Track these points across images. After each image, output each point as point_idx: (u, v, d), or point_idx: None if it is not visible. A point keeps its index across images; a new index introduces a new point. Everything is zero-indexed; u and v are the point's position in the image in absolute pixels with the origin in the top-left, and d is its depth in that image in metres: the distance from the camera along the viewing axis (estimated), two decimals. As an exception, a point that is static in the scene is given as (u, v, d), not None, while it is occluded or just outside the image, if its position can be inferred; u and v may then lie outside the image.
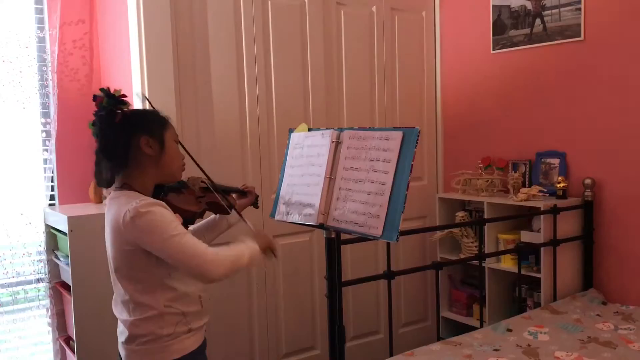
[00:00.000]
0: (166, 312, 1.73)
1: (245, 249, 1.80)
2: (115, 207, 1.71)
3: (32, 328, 3.12)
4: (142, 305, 1.73)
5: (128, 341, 1.77)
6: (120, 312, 1.81)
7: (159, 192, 1.85)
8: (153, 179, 1.79)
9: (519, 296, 3.11)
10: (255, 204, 2.19)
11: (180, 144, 1.89)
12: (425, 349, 2.46)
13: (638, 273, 2.95)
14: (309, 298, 3.35)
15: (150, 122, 1.78)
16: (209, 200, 1.95)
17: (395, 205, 1.90)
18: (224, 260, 1.70)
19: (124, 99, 1.76)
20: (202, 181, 1.99)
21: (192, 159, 1.94)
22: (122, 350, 1.82)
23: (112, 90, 1.75)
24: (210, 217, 2.10)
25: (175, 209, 1.77)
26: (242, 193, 2.15)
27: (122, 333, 1.80)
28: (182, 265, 1.68)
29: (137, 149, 1.73)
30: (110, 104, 1.73)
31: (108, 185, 1.79)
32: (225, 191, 2.06)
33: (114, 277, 1.79)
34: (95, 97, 1.75)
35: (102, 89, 1.75)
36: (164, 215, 1.67)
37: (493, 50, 3.51)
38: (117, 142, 1.72)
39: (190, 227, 1.98)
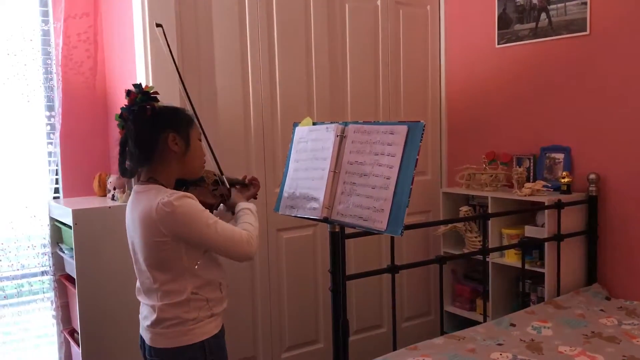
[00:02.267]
0: (192, 298, 1.84)
1: (253, 216, 1.96)
2: (144, 200, 1.79)
3: (36, 321, 3.14)
4: (171, 292, 1.82)
5: (154, 324, 1.85)
6: (145, 298, 1.89)
7: (180, 185, 1.93)
8: (175, 174, 1.89)
9: (523, 291, 3.10)
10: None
11: (206, 138, 2.02)
12: (428, 343, 2.46)
13: (642, 268, 2.95)
14: (313, 292, 3.35)
15: (178, 119, 1.88)
16: (221, 193, 2.05)
17: (399, 200, 1.90)
18: (254, 237, 1.87)
19: (156, 95, 1.84)
20: (214, 174, 2.09)
21: (213, 154, 2.02)
22: (146, 334, 1.89)
23: (144, 87, 1.83)
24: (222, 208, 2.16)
25: None
26: (245, 185, 2.18)
27: (147, 317, 1.88)
28: (222, 248, 1.82)
29: (164, 145, 1.83)
30: (143, 100, 1.81)
31: (131, 176, 1.89)
32: (232, 184, 2.14)
33: (140, 266, 1.87)
34: (129, 93, 1.83)
35: (135, 85, 1.83)
36: (196, 206, 1.79)
37: (498, 44, 3.50)
38: (146, 137, 1.81)
39: None
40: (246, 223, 1.90)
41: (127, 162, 1.84)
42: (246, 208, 1.97)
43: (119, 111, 1.87)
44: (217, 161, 2.08)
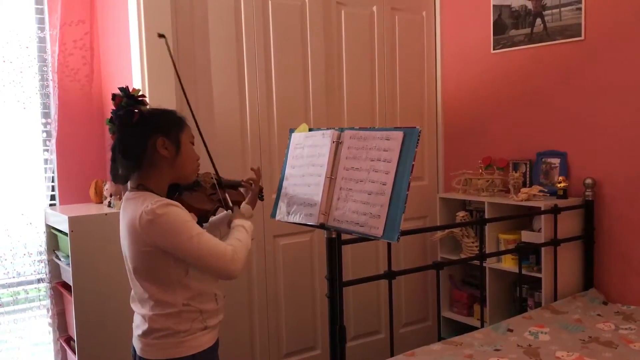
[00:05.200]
0: (184, 309, 1.77)
1: (246, 234, 1.84)
2: (131, 208, 1.73)
3: (32, 328, 3.12)
4: (162, 302, 1.76)
5: (145, 334, 1.78)
6: (138, 308, 1.83)
7: (174, 191, 1.86)
8: (167, 180, 1.82)
9: (520, 296, 3.10)
10: (260, 196, 2.18)
11: (202, 138, 1.92)
12: (426, 349, 2.46)
13: (639, 273, 2.95)
14: (310, 298, 3.35)
15: (167, 123, 1.80)
16: (220, 197, 1.96)
17: (396, 205, 1.90)
18: (240, 255, 1.76)
19: (143, 99, 1.78)
20: (212, 177, 2.00)
21: (209, 154, 1.95)
22: (137, 343, 1.83)
23: (130, 90, 1.76)
24: (224, 212, 2.10)
25: (190, 208, 1.79)
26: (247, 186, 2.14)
27: (138, 326, 1.82)
28: (202, 264, 1.71)
29: (153, 150, 1.75)
30: (129, 104, 1.75)
31: (124, 182, 1.81)
32: (233, 186, 2.07)
33: (131, 276, 1.81)
34: (114, 97, 1.77)
35: (121, 89, 1.77)
36: (180, 215, 1.69)
37: (493, 50, 3.51)
38: (134, 142, 1.74)
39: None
40: (235, 239, 1.79)
41: (119, 168, 1.79)
42: (240, 225, 1.86)
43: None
44: (214, 164, 1.99)
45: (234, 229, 1.86)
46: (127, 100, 1.75)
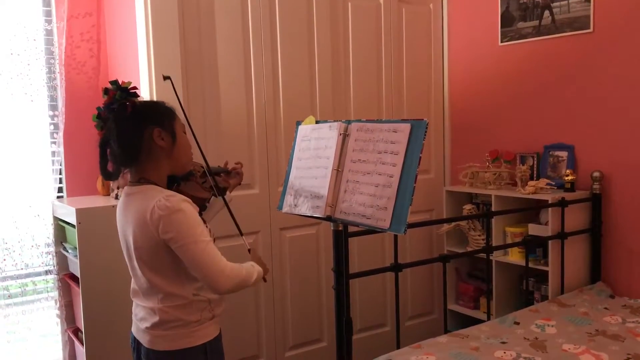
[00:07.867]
0: (194, 300, 1.79)
1: (254, 272, 1.84)
2: (139, 202, 1.73)
3: (40, 320, 3.14)
4: (172, 294, 1.77)
5: (155, 326, 1.79)
6: (143, 300, 1.83)
7: (172, 182, 1.88)
8: (166, 171, 1.82)
9: (526, 289, 3.10)
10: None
11: (190, 128, 1.91)
12: (432, 341, 2.46)
13: (646, 266, 2.94)
14: (316, 290, 3.35)
15: (160, 114, 1.80)
16: (210, 185, 1.98)
17: (403, 198, 1.90)
18: (235, 277, 1.75)
19: (135, 91, 1.78)
20: (201, 166, 2.02)
21: (197, 142, 1.94)
22: (144, 336, 1.83)
23: (120, 83, 1.76)
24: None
25: (191, 198, 1.80)
26: (228, 173, 2.17)
27: (145, 319, 1.82)
28: (198, 270, 1.71)
29: (149, 141, 1.75)
30: (122, 97, 1.75)
31: (115, 178, 1.81)
32: (218, 173, 2.10)
33: (136, 270, 1.81)
34: (107, 91, 1.76)
35: (112, 82, 1.77)
36: (193, 216, 1.71)
37: (501, 42, 3.49)
38: (130, 134, 1.74)
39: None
40: (242, 267, 1.79)
41: (111, 164, 1.77)
42: (252, 265, 1.87)
43: None
44: (201, 150, 1.96)
45: (247, 263, 1.86)
46: (121, 93, 1.75)
